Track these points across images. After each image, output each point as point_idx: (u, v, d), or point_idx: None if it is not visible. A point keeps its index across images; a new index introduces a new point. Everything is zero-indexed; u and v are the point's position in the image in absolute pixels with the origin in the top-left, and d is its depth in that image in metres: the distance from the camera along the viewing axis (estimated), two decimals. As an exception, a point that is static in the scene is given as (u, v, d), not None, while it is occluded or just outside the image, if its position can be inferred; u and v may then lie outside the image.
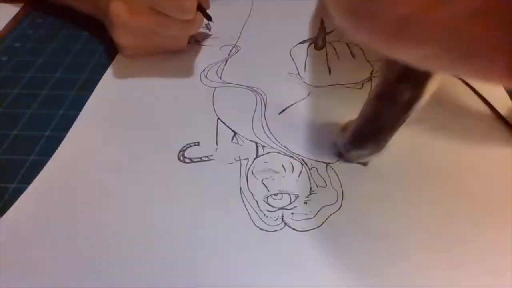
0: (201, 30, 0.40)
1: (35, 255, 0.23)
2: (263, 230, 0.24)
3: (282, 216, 0.25)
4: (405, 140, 0.29)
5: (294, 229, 0.24)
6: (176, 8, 0.32)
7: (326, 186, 0.26)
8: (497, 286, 0.21)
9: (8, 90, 0.34)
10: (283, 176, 0.27)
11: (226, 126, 0.30)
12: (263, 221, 0.24)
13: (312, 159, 0.28)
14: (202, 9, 0.35)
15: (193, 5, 0.32)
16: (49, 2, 0.42)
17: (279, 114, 0.31)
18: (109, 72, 0.35)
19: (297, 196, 0.26)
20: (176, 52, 0.37)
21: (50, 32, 0.40)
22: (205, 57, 0.37)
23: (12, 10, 0.43)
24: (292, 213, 0.25)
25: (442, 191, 0.26)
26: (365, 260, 0.23)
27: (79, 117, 0.31)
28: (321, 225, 0.24)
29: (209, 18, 0.37)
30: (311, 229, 0.24)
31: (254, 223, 0.24)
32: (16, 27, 0.41)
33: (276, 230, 0.24)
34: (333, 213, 0.25)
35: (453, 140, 0.29)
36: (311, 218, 0.25)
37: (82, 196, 0.26)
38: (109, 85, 0.34)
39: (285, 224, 0.24)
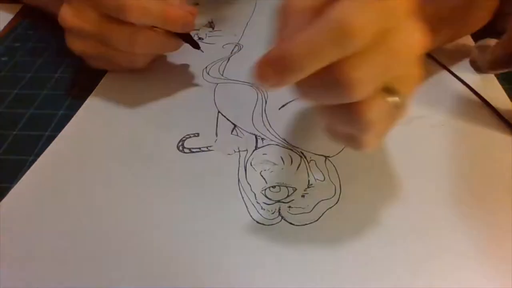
0: (204, 28, 0.40)
1: (30, 251, 0.23)
2: (259, 223, 0.24)
3: (279, 209, 0.25)
4: (404, 137, 0.29)
5: (290, 223, 0.24)
6: (115, 6, 0.28)
7: (324, 179, 0.26)
8: (497, 286, 0.21)
9: (8, 90, 0.34)
10: (282, 169, 0.27)
11: (226, 119, 0.31)
12: (260, 214, 0.24)
13: (311, 152, 0.28)
14: (188, 38, 0.33)
15: (133, 5, 0.28)
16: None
17: (279, 109, 0.31)
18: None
19: (294, 189, 0.26)
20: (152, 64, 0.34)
21: (50, 32, 0.40)
22: (208, 55, 0.37)
23: (12, 10, 0.43)
24: (289, 207, 0.25)
25: (440, 188, 0.26)
26: (361, 256, 0.22)
27: (79, 110, 0.31)
28: (317, 219, 0.24)
29: (196, 46, 0.34)
30: (307, 224, 0.24)
31: (251, 215, 0.24)
32: (16, 27, 0.41)
33: (272, 224, 0.24)
34: (330, 208, 0.25)
35: (452, 138, 0.29)
36: (308, 212, 0.24)
37: (79, 188, 0.26)
38: (111, 80, 0.34)
39: (282, 218, 0.24)
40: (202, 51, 0.35)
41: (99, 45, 0.31)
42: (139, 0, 0.28)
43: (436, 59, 0.36)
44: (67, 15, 0.30)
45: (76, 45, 0.31)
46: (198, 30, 0.40)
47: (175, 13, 0.29)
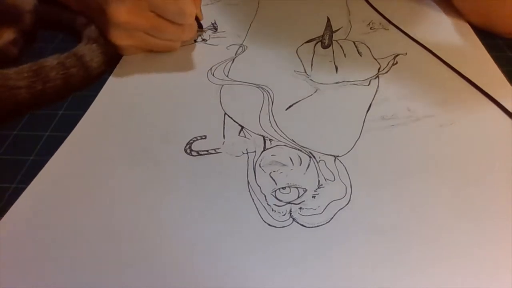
0: (207, 29, 0.40)
1: (35, 255, 0.22)
2: (271, 226, 0.23)
3: (290, 211, 0.24)
4: (413, 136, 0.29)
5: (302, 225, 0.24)
6: (178, 13, 0.33)
7: (334, 179, 0.26)
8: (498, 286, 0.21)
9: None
10: (291, 169, 0.26)
11: (233, 120, 0.30)
12: (271, 216, 0.24)
13: (320, 152, 0.28)
14: (196, 18, 0.37)
15: (194, 11, 0.34)
16: None
17: (286, 110, 0.31)
18: (117, 70, 0.35)
19: (305, 190, 0.25)
20: (170, 52, 0.37)
21: (50, 32, 0.40)
22: (212, 56, 0.37)
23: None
24: (300, 208, 0.24)
25: (451, 187, 0.25)
26: (374, 257, 0.22)
27: (86, 113, 0.31)
28: (329, 221, 0.24)
29: (201, 26, 0.39)
30: (319, 225, 0.23)
31: (262, 218, 0.24)
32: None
33: (284, 226, 0.23)
34: (341, 208, 0.24)
35: (461, 137, 0.29)
36: (319, 214, 0.24)
37: (86, 191, 0.26)
38: (117, 82, 0.34)
39: (293, 219, 0.24)
40: (205, 32, 0.40)
41: (147, 37, 0.35)
42: (191, 4, 0.34)
43: (444, 60, 0.36)
44: (121, 11, 0.32)
45: (123, 39, 0.35)
46: (204, 31, 0.40)
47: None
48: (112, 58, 0.36)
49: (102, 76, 0.35)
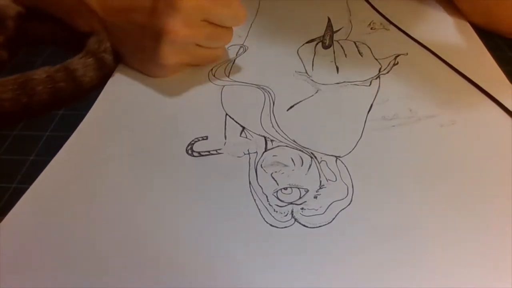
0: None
1: (36, 255, 0.22)
2: (273, 226, 0.23)
3: (292, 211, 0.24)
4: (414, 136, 0.29)
5: (304, 225, 0.24)
6: (233, 17, 0.32)
7: (336, 180, 0.26)
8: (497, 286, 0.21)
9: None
10: (293, 170, 0.26)
11: (235, 121, 0.30)
12: (273, 217, 0.24)
13: (321, 153, 0.28)
14: None
15: (245, 12, 0.33)
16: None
17: (287, 110, 0.31)
18: (118, 71, 0.35)
19: (307, 191, 0.25)
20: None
21: (50, 32, 0.39)
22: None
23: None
24: (302, 208, 0.24)
25: (452, 187, 0.25)
26: (376, 257, 0.22)
27: (88, 113, 0.31)
28: (331, 221, 0.24)
29: None
30: (321, 226, 0.23)
31: (264, 218, 0.24)
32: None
33: (286, 227, 0.23)
34: (343, 209, 0.24)
35: (462, 137, 0.29)
36: (321, 214, 0.24)
37: (87, 193, 0.25)
38: (118, 83, 0.34)
39: (295, 220, 0.24)
40: None
41: (198, 49, 0.33)
42: (243, 7, 0.32)
43: (445, 60, 0.36)
44: (179, 27, 0.30)
45: (176, 56, 0.32)
46: None
47: None
48: (107, 75, 0.34)
49: (93, 93, 0.33)
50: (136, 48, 0.33)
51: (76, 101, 0.32)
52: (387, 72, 0.35)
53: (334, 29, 0.40)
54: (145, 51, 0.32)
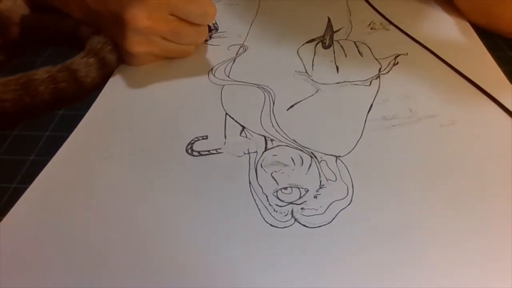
0: (208, 29, 0.40)
1: (36, 255, 0.22)
2: (273, 226, 0.23)
3: (292, 211, 0.24)
4: (414, 136, 0.29)
5: (304, 225, 0.23)
6: (202, 13, 0.32)
7: (336, 180, 0.26)
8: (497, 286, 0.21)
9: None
10: (293, 170, 0.26)
11: (235, 120, 0.30)
12: (273, 217, 0.24)
13: (321, 152, 0.27)
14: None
15: (215, 10, 0.33)
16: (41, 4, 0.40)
17: (287, 110, 0.31)
18: (118, 71, 0.35)
19: (307, 190, 0.25)
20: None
21: (49, 32, 0.40)
22: (213, 56, 0.37)
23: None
24: (302, 208, 0.24)
25: (452, 187, 0.25)
26: (376, 257, 0.22)
27: (87, 113, 0.31)
28: (331, 221, 0.24)
29: (209, 28, 0.39)
30: (321, 225, 0.23)
31: (264, 218, 0.24)
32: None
33: (286, 226, 0.23)
34: (343, 208, 0.24)
35: (463, 137, 0.29)
36: (321, 214, 0.24)
37: (87, 193, 0.25)
38: (118, 82, 0.34)
39: (295, 220, 0.24)
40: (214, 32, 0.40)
41: (164, 42, 0.33)
42: (213, 5, 0.33)
43: (445, 60, 0.36)
44: (141, 16, 0.31)
45: (140, 46, 0.33)
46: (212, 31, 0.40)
47: None
48: (109, 75, 0.34)
49: (94, 92, 0.33)
50: (114, 36, 0.34)
51: (77, 101, 0.32)
52: (387, 72, 0.35)
53: (334, 29, 0.40)
54: (119, 39, 0.33)
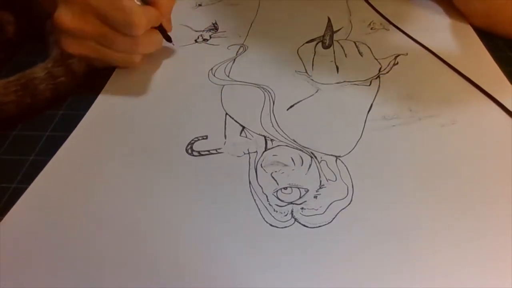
0: (208, 29, 0.40)
1: (36, 255, 0.22)
2: (272, 226, 0.23)
3: (292, 211, 0.24)
4: (414, 136, 0.29)
5: (304, 225, 0.23)
6: (124, 24, 0.30)
7: (336, 180, 0.26)
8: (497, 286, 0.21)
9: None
10: (293, 170, 0.26)
11: (235, 120, 0.30)
12: (273, 217, 0.24)
13: (321, 152, 0.27)
14: (162, 29, 0.34)
15: (141, 22, 0.30)
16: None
17: (287, 110, 0.31)
18: (118, 70, 0.35)
19: (307, 190, 0.25)
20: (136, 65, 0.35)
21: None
22: (213, 56, 0.37)
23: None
24: (302, 208, 0.24)
25: (452, 187, 0.25)
26: (376, 257, 0.22)
27: (87, 113, 0.31)
28: (331, 221, 0.24)
29: (169, 39, 0.36)
30: (321, 225, 0.23)
31: (264, 218, 0.24)
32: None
33: (286, 226, 0.23)
34: (343, 208, 0.24)
35: (463, 137, 0.29)
36: (321, 214, 0.24)
37: (87, 193, 0.25)
38: (118, 82, 0.34)
39: (295, 220, 0.24)
40: (173, 44, 0.38)
41: (99, 47, 0.32)
42: (142, 15, 0.30)
43: (444, 60, 0.36)
44: (66, 17, 0.30)
45: (72, 47, 0.31)
46: (203, 31, 0.40)
47: (163, 12, 0.34)
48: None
49: (92, 92, 0.33)
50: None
51: (74, 91, 0.33)
52: (387, 72, 0.35)
53: (334, 29, 0.40)
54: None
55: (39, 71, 0.31)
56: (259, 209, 0.24)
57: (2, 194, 0.25)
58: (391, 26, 0.41)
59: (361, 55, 0.37)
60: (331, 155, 0.27)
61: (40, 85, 0.30)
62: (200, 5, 0.44)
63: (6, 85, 0.29)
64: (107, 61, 0.34)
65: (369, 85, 0.33)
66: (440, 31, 0.40)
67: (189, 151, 0.28)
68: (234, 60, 0.36)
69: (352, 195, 0.25)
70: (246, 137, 0.29)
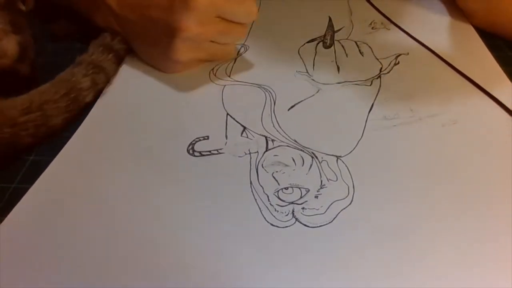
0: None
1: (37, 256, 0.22)
2: (274, 225, 0.24)
3: (293, 211, 0.24)
4: (415, 136, 0.29)
5: (305, 225, 0.24)
6: (246, 13, 0.32)
7: (336, 180, 0.26)
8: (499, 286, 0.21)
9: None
10: (294, 170, 0.26)
11: (236, 121, 0.30)
12: (274, 216, 0.24)
13: (322, 152, 0.28)
14: None
15: (257, 9, 0.33)
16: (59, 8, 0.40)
17: (288, 110, 0.31)
18: (119, 71, 0.35)
19: (307, 190, 0.25)
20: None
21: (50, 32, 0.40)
22: (214, 56, 0.37)
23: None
24: (303, 208, 0.24)
25: (454, 187, 0.25)
26: (377, 257, 0.22)
27: (89, 114, 0.31)
28: (332, 220, 0.24)
29: None
30: (322, 225, 0.24)
31: (265, 218, 0.24)
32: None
33: (287, 226, 0.24)
34: (344, 208, 0.24)
35: (464, 137, 0.29)
36: (322, 214, 0.24)
37: (88, 193, 0.26)
38: (120, 83, 0.34)
39: (296, 219, 0.24)
40: None
41: (212, 45, 0.34)
42: (255, 3, 0.33)
43: (445, 60, 0.36)
44: (193, 25, 0.30)
45: (189, 53, 0.33)
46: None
47: None
48: (121, 62, 0.35)
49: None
50: (150, 43, 0.33)
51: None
52: (388, 72, 0.35)
53: (335, 29, 0.40)
54: (158, 46, 0.33)
55: (82, 79, 0.30)
56: (260, 209, 0.24)
57: (2, 194, 0.26)
58: (392, 25, 0.41)
59: (362, 55, 0.37)
60: (332, 155, 0.27)
61: (87, 96, 0.30)
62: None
63: (57, 100, 0.28)
64: (212, 58, 0.35)
65: (370, 85, 0.34)
66: (441, 31, 0.40)
67: (191, 151, 0.28)
68: (235, 60, 0.37)
69: (353, 195, 0.25)
70: (247, 137, 0.29)
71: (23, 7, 0.33)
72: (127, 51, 0.36)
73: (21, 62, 0.32)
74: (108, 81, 0.33)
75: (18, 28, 0.33)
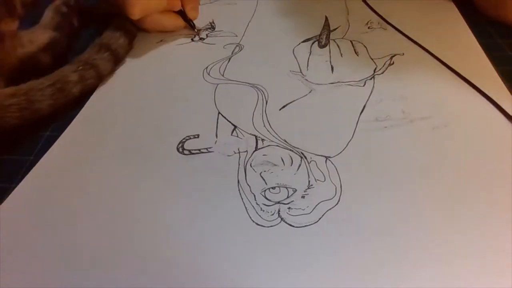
0: (205, 28, 0.41)
1: (29, 254, 0.23)
2: (259, 225, 0.24)
3: (279, 210, 0.24)
4: (406, 138, 0.29)
5: (290, 225, 0.24)
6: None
7: (324, 180, 0.26)
8: (497, 286, 0.21)
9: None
10: (282, 170, 0.27)
11: (227, 120, 0.30)
12: (260, 216, 0.24)
13: (311, 153, 0.28)
14: (186, 17, 0.40)
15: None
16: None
17: (279, 109, 0.31)
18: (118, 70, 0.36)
19: (295, 190, 0.25)
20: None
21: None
22: (209, 55, 0.37)
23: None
24: (289, 208, 0.24)
25: (443, 189, 0.25)
26: (361, 257, 0.22)
27: (80, 112, 0.32)
28: (317, 221, 0.24)
29: (189, 23, 0.40)
30: (307, 225, 0.24)
31: (250, 217, 0.24)
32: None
33: (272, 226, 0.24)
34: (330, 209, 0.24)
35: (455, 139, 0.29)
36: (308, 214, 0.24)
37: (79, 191, 0.26)
38: (112, 80, 0.35)
39: (282, 219, 0.24)
40: (196, 31, 0.41)
41: None
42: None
43: (440, 60, 0.35)
44: None
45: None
46: (200, 30, 0.40)
47: None
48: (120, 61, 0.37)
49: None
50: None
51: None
52: (382, 73, 0.35)
53: (331, 28, 0.40)
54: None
55: (72, 74, 0.32)
56: (246, 208, 0.24)
57: (2, 194, 0.26)
58: (388, 25, 0.41)
59: (357, 55, 0.37)
60: (321, 155, 0.27)
61: (73, 88, 0.32)
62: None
63: (42, 89, 0.30)
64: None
65: (363, 85, 0.33)
66: (437, 31, 0.40)
67: (180, 149, 0.28)
68: (229, 59, 0.37)
69: (340, 195, 0.25)
70: (237, 136, 0.29)
71: (75, 23, 0.41)
72: (127, 51, 0.36)
73: (44, 52, 0.35)
74: (99, 77, 0.34)
75: (59, 28, 0.38)
